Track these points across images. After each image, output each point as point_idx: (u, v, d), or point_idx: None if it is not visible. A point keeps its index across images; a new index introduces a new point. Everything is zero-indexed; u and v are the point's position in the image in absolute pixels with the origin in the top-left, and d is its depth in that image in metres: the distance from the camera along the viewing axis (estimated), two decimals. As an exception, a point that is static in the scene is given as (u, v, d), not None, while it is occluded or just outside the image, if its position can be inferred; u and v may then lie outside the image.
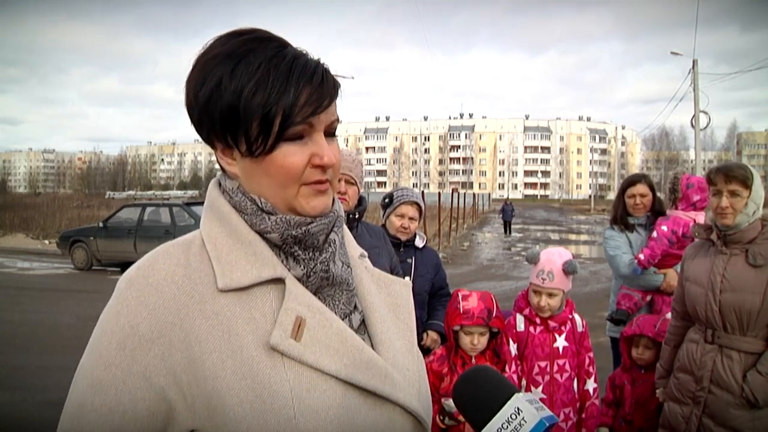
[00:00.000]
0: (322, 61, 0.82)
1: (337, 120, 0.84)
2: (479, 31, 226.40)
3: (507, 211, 25.92)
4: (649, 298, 3.42)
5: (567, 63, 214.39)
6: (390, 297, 0.95)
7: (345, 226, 0.96)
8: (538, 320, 2.61)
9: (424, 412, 0.85)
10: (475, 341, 2.44)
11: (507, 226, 25.87)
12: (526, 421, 0.80)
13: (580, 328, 2.70)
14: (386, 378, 0.81)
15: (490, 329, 2.47)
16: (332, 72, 0.83)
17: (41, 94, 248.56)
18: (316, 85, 0.78)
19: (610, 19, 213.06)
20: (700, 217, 3.25)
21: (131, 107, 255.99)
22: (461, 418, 2.51)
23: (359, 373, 0.79)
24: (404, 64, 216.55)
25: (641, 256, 3.32)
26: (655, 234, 3.35)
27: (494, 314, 2.44)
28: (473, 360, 2.47)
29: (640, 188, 3.49)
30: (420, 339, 3.05)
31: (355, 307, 0.89)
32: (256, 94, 0.76)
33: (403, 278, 1.04)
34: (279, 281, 0.81)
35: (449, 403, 2.33)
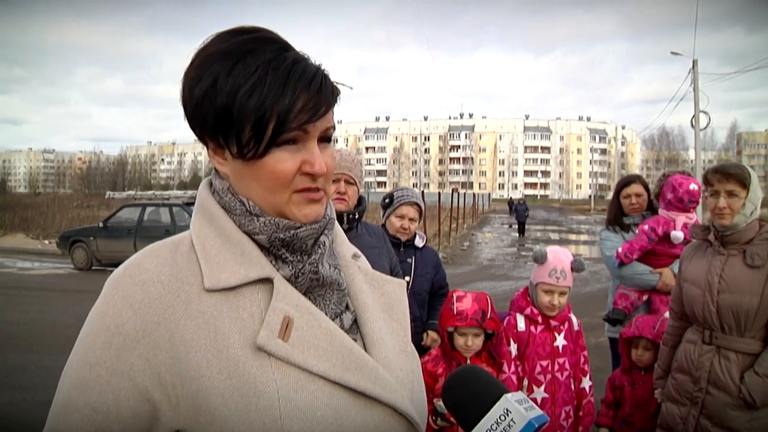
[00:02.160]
0: (322, 67, 0.81)
1: (333, 127, 0.83)
2: (486, 31, 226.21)
3: (520, 211, 25.04)
4: (645, 297, 3.43)
5: (571, 63, 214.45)
6: (383, 297, 0.94)
7: (338, 227, 0.96)
8: (539, 319, 2.62)
9: (416, 413, 0.84)
10: (469, 342, 2.44)
11: (521, 227, 24.96)
12: (515, 422, 0.80)
13: (575, 327, 2.71)
14: (377, 379, 0.80)
15: (484, 331, 2.47)
16: (332, 78, 0.82)
17: (45, 93, 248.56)
18: (314, 92, 0.77)
19: (615, 19, 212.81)
20: (681, 218, 3.29)
21: (135, 107, 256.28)
22: (453, 418, 2.50)
23: (348, 373, 0.78)
24: (408, 64, 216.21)
25: (619, 250, 3.40)
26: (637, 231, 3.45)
27: (489, 316, 2.44)
28: (468, 361, 2.48)
29: (635, 188, 3.56)
30: (420, 339, 3.05)
31: (347, 307, 0.89)
32: (252, 96, 0.75)
33: (403, 278, 1.04)
34: (267, 281, 0.80)
35: (441, 404, 2.33)
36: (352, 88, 0.89)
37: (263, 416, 0.72)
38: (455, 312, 2.45)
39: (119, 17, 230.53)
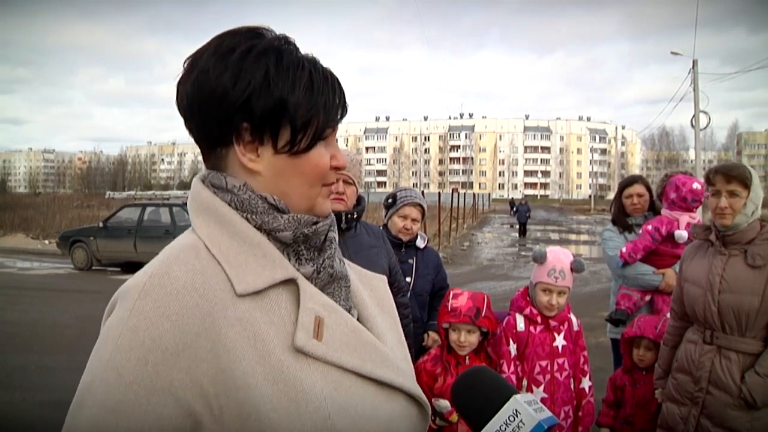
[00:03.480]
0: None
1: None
2: (489, 31, 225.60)
3: (522, 212, 24.69)
4: (648, 298, 3.43)
5: (574, 64, 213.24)
6: (373, 292, 0.98)
7: None
8: (539, 319, 2.61)
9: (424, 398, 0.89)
10: (461, 338, 2.45)
11: (522, 227, 24.53)
12: (524, 423, 0.79)
13: (575, 327, 2.71)
14: (398, 369, 0.84)
15: (479, 329, 2.47)
16: None
17: (48, 94, 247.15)
18: (342, 92, 0.84)
19: (618, 20, 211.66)
20: (684, 217, 3.30)
21: (137, 107, 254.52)
22: (451, 418, 2.52)
23: (377, 367, 0.81)
24: (410, 65, 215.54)
25: (623, 250, 3.41)
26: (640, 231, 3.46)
27: (483, 314, 2.44)
28: (467, 360, 2.48)
29: (637, 188, 3.58)
30: (421, 339, 3.06)
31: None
32: (308, 91, 0.79)
33: (404, 278, 1.07)
34: (290, 282, 0.81)
35: (439, 403, 2.33)
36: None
37: (313, 418, 0.73)
38: (449, 308, 2.48)
39: (123, 18, 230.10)
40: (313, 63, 0.82)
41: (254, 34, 0.82)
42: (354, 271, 0.97)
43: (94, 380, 0.70)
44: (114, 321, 0.73)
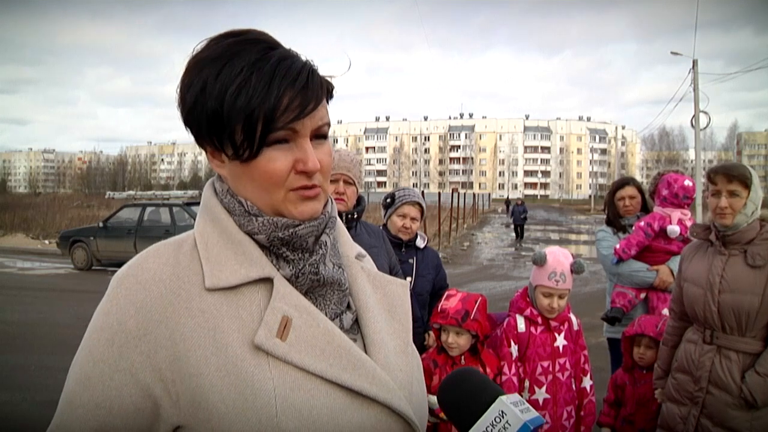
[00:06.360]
0: (310, 63, 0.81)
1: (328, 124, 0.83)
2: (498, 33, 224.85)
3: (517, 213, 23.72)
4: (643, 295, 3.44)
5: (580, 64, 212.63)
6: (386, 297, 0.95)
7: (343, 227, 0.96)
8: (539, 320, 2.61)
9: (415, 413, 0.84)
10: (449, 340, 2.46)
11: (518, 229, 23.56)
12: (510, 425, 0.79)
13: (575, 327, 2.71)
14: (374, 378, 0.81)
15: (468, 331, 2.47)
16: (324, 74, 0.83)
17: (53, 94, 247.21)
18: (299, 89, 0.77)
19: (627, 20, 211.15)
20: (676, 213, 3.32)
21: (142, 107, 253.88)
22: (443, 415, 2.50)
23: (346, 373, 0.79)
24: (418, 65, 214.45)
25: (617, 246, 3.45)
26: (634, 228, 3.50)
27: (471, 317, 2.43)
28: (462, 360, 2.48)
29: (629, 191, 3.62)
30: (422, 339, 3.06)
31: (348, 306, 0.89)
32: (238, 97, 0.76)
33: (404, 278, 1.03)
34: (268, 281, 0.81)
35: (430, 399, 2.34)
36: (349, 67, 0.89)
37: (259, 414, 0.73)
38: (439, 309, 2.49)
39: (135, 18, 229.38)
40: (258, 66, 0.76)
41: (218, 39, 0.81)
42: (368, 274, 0.95)
43: (76, 356, 0.78)
44: (98, 306, 0.80)
